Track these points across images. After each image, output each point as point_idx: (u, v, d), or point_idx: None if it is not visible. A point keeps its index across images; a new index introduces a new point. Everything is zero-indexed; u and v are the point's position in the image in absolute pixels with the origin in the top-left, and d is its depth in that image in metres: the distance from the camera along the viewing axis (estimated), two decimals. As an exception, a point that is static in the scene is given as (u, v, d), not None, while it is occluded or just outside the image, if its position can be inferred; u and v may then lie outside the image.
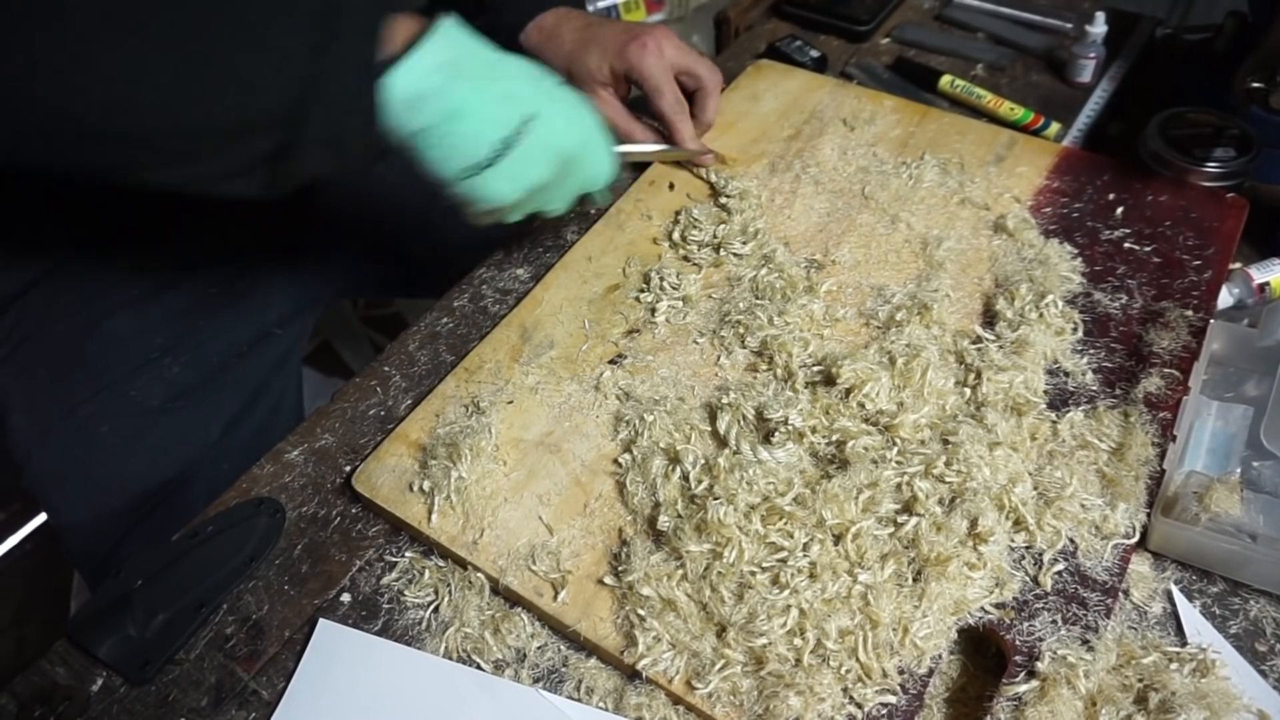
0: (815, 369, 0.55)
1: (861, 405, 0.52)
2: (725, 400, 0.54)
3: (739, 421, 0.53)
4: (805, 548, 0.46)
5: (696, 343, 0.60)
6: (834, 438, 0.51)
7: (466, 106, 0.48)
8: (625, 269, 0.66)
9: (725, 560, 0.46)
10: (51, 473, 0.67)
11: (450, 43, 0.48)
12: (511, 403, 0.58)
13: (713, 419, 0.54)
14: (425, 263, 0.90)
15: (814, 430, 0.51)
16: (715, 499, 0.48)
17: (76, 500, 0.67)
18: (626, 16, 1.43)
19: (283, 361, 0.78)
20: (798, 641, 0.44)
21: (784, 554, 0.46)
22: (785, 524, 0.47)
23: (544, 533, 0.51)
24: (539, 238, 0.71)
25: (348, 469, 0.57)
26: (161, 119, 0.42)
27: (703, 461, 0.51)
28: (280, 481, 0.56)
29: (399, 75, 0.46)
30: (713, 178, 0.71)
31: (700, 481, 0.50)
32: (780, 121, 0.77)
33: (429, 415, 0.58)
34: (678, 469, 0.51)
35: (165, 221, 0.69)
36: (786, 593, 0.45)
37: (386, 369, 0.63)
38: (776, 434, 0.52)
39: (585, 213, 0.69)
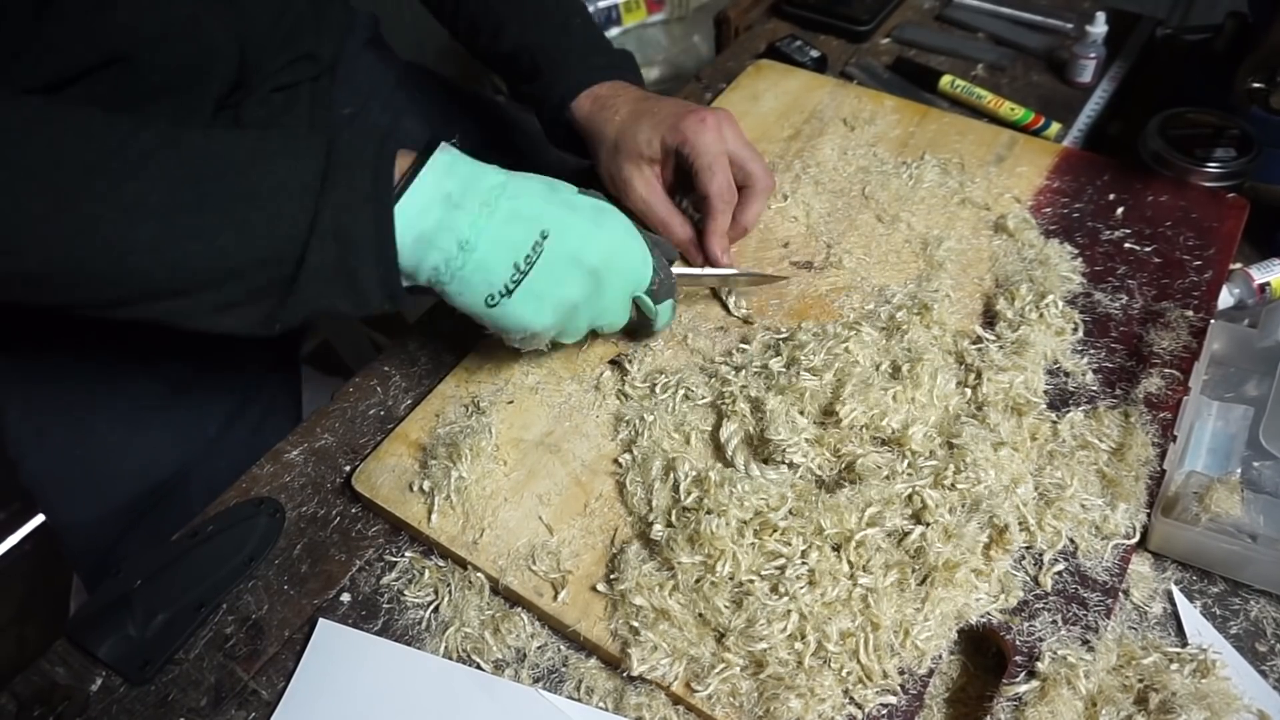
0: (825, 392, 0.53)
1: (871, 428, 0.51)
2: (732, 405, 0.53)
3: (743, 430, 0.53)
4: (804, 555, 0.46)
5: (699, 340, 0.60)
6: (841, 463, 0.51)
7: (474, 235, 0.46)
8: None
9: (718, 573, 0.46)
10: (48, 471, 0.67)
11: (444, 173, 0.46)
12: (511, 402, 0.58)
13: (717, 420, 0.54)
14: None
15: (817, 458, 0.51)
16: (707, 512, 0.47)
17: (73, 499, 0.67)
18: (627, 16, 1.43)
19: (279, 360, 0.78)
20: (798, 645, 0.44)
21: (782, 561, 0.46)
22: (782, 535, 0.47)
23: (544, 533, 0.51)
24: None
25: (347, 469, 0.57)
26: (155, 261, 0.43)
27: (693, 474, 0.50)
28: (280, 481, 0.56)
29: (397, 216, 0.45)
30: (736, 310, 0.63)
31: (690, 494, 0.49)
32: (780, 121, 0.77)
33: (429, 415, 0.58)
34: (671, 476, 0.51)
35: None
36: (786, 599, 0.44)
37: (386, 369, 0.63)
38: (774, 457, 0.51)
39: (650, 335, 0.60)
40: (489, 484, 0.53)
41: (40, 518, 1.37)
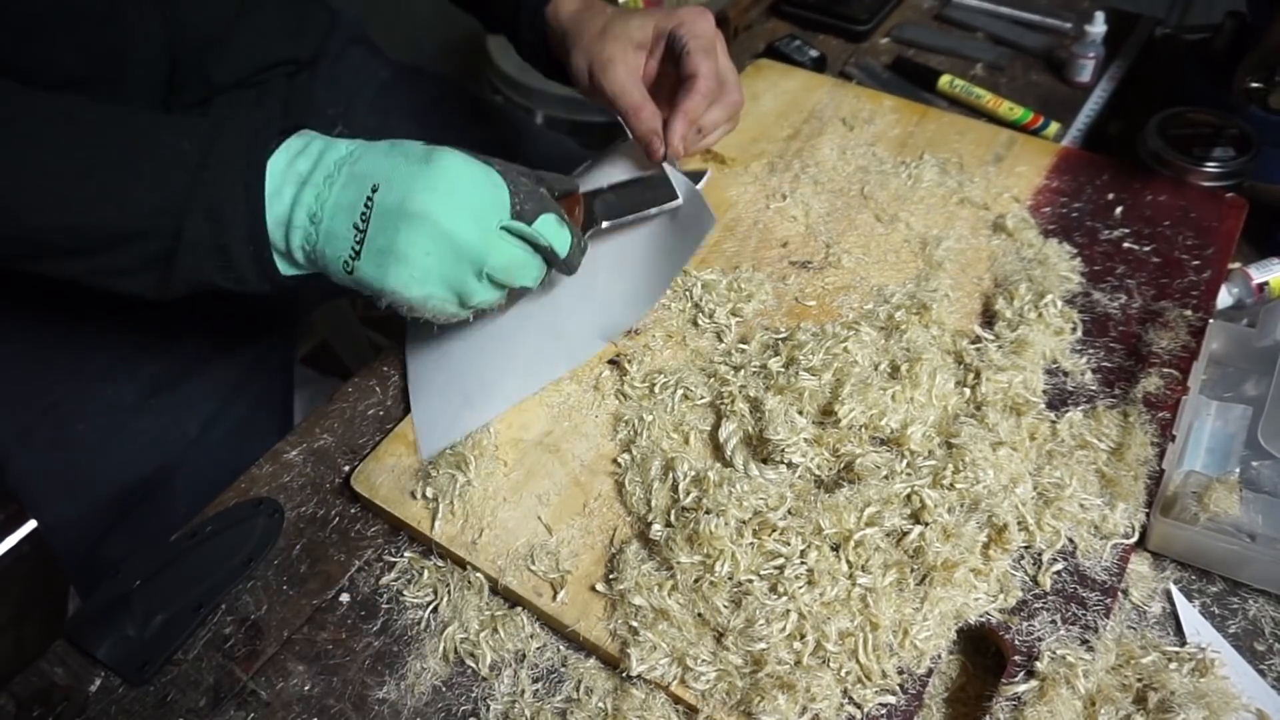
0: (824, 391, 0.53)
1: (870, 428, 0.51)
2: (731, 405, 0.53)
3: (742, 430, 0.53)
4: (803, 554, 0.46)
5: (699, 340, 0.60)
6: (840, 463, 0.50)
7: (320, 206, 0.46)
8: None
9: (717, 573, 0.46)
10: (31, 471, 0.67)
11: (296, 154, 0.47)
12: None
13: (716, 419, 0.54)
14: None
15: (816, 458, 0.51)
16: (706, 512, 0.47)
17: (56, 498, 0.67)
18: (625, 16, 1.42)
19: (263, 359, 0.77)
20: (797, 645, 0.43)
21: (781, 561, 0.46)
22: (781, 535, 0.46)
23: (543, 533, 0.51)
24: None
25: (346, 469, 0.57)
26: (48, 222, 0.46)
27: (692, 474, 0.50)
28: (279, 481, 0.56)
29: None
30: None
31: (689, 493, 0.49)
32: (779, 121, 0.77)
33: (428, 415, 0.58)
34: (670, 475, 0.51)
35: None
36: (785, 598, 0.44)
37: (385, 369, 0.63)
38: (773, 457, 0.51)
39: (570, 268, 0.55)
40: (489, 484, 0.53)
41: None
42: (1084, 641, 0.44)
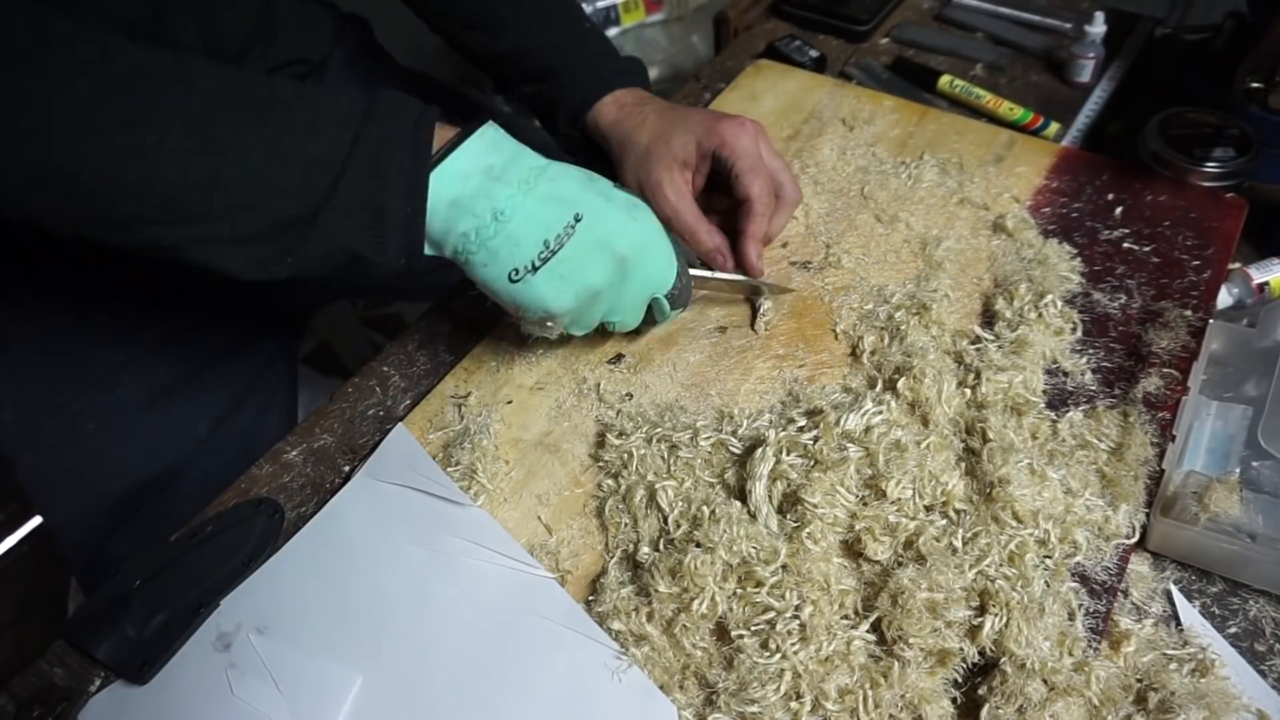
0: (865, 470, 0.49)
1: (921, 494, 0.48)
2: (763, 468, 0.49)
3: (771, 486, 0.49)
4: (796, 610, 0.44)
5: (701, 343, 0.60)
6: (901, 538, 0.47)
7: (510, 207, 0.46)
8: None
9: (694, 610, 0.44)
10: (41, 470, 0.67)
11: (487, 147, 0.47)
12: (511, 403, 0.58)
13: (740, 467, 0.51)
14: (425, 266, 0.90)
15: (857, 529, 0.47)
16: (696, 545, 0.46)
17: (65, 497, 0.68)
18: (625, 16, 1.43)
19: (273, 360, 0.77)
20: (794, 704, 0.42)
21: (771, 615, 0.44)
22: (772, 589, 0.45)
23: (543, 533, 0.51)
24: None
25: (346, 469, 0.57)
26: (177, 175, 0.42)
27: (680, 505, 0.49)
28: (279, 482, 0.56)
29: (436, 179, 0.45)
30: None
31: (679, 526, 0.48)
32: (779, 121, 0.77)
33: (427, 415, 0.58)
34: (655, 505, 0.50)
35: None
36: (778, 656, 0.43)
37: (386, 369, 0.63)
38: (804, 518, 0.47)
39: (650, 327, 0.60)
40: (490, 484, 0.53)
41: (39, 519, 1.37)
42: (1087, 643, 0.44)
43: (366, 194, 0.44)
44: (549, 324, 0.51)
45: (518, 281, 0.48)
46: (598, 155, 0.68)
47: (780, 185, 0.62)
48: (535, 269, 0.47)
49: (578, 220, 0.48)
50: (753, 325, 0.61)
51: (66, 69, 0.40)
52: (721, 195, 0.63)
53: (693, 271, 0.58)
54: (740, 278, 0.61)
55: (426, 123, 0.46)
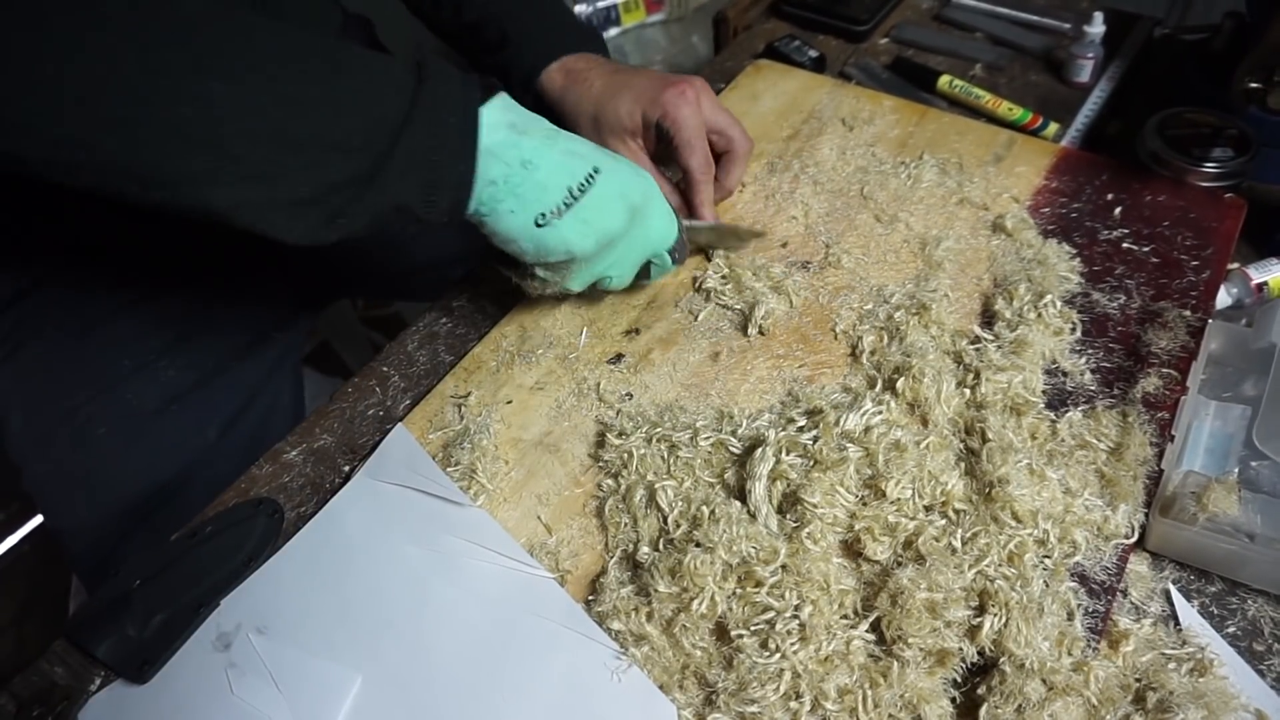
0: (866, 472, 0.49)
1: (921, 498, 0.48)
2: (763, 468, 0.49)
3: (771, 486, 0.49)
4: (796, 609, 0.44)
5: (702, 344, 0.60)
6: (900, 538, 0.47)
7: (536, 157, 0.49)
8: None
9: (694, 610, 0.44)
10: (49, 475, 0.67)
11: (507, 106, 0.50)
12: (510, 403, 0.58)
13: (739, 467, 0.50)
14: (424, 264, 0.90)
15: (857, 529, 0.47)
16: (696, 545, 0.46)
17: (74, 503, 0.67)
18: (625, 16, 1.42)
19: (279, 363, 0.78)
20: (793, 704, 0.42)
21: (771, 615, 0.44)
22: (771, 589, 0.45)
23: (543, 532, 0.51)
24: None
25: (346, 469, 0.57)
26: (241, 126, 0.41)
27: (680, 505, 0.49)
28: (279, 482, 0.56)
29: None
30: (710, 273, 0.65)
31: (679, 526, 0.48)
32: (779, 121, 0.77)
33: (427, 415, 0.58)
34: (655, 504, 0.50)
35: (163, 226, 0.69)
36: (777, 656, 0.43)
37: (385, 369, 0.63)
38: (803, 518, 0.47)
39: (643, 286, 0.64)
40: (491, 484, 0.53)
41: (39, 518, 1.37)
42: (1086, 643, 0.44)
43: (423, 152, 0.46)
44: (554, 278, 0.54)
45: (544, 226, 0.50)
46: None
47: (730, 140, 0.65)
48: (560, 214, 0.51)
49: (596, 172, 0.52)
50: (745, 331, 0.61)
51: (131, 16, 0.38)
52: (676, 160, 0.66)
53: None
54: (710, 224, 0.65)
55: (470, 85, 0.48)
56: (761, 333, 0.60)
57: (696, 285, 0.64)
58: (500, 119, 0.49)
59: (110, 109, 0.38)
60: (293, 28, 0.44)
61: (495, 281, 0.68)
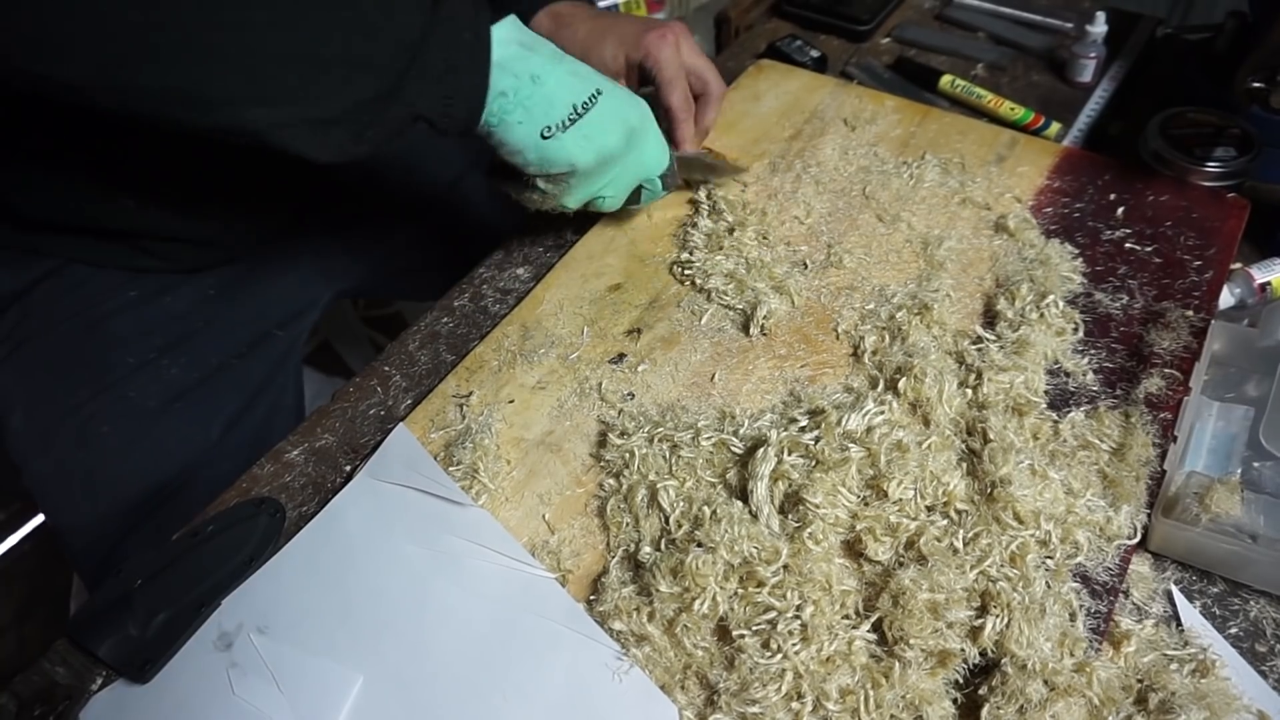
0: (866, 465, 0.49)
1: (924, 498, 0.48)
2: (765, 468, 0.48)
3: (773, 486, 0.49)
4: (798, 609, 0.44)
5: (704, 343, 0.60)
6: (902, 539, 0.47)
7: (544, 73, 0.53)
8: (626, 268, 0.66)
9: (695, 610, 0.44)
10: (51, 474, 0.67)
11: (518, 27, 0.54)
12: (512, 402, 0.58)
13: (741, 467, 0.50)
14: (425, 263, 0.90)
15: (858, 529, 0.47)
16: (697, 545, 0.46)
17: (76, 501, 0.67)
18: (627, 16, 1.43)
19: (282, 362, 0.78)
20: (795, 705, 0.42)
21: (773, 615, 0.44)
22: (773, 589, 0.44)
23: (544, 532, 0.51)
24: (539, 237, 0.71)
25: (348, 468, 0.57)
26: (278, 50, 0.44)
27: (682, 505, 0.49)
28: (280, 481, 0.56)
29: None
30: (700, 194, 0.70)
31: (680, 526, 0.48)
32: (781, 121, 0.77)
33: (429, 415, 0.58)
34: (657, 504, 0.50)
35: (166, 224, 0.69)
36: (779, 656, 0.43)
37: (387, 369, 0.63)
38: (805, 518, 0.47)
39: (638, 211, 0.69)
40: (493, 484, 0.53)
41: (40, 518, 1.37)
42: (1088, 643, 0.44)
43: (441, 66, 0.49)
44: (553, 190, 0.58)
45: (549, 138, 0.54)
46: None
47: (705, 82, 0.70)
48: (565, 128, 0.54)
49: (599, 93, 0.56)
50: (747, 331, 0.61)
51: None
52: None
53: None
54: (695, 153, 0.69)
55: (482, 5, 0.51)
56: (764, 333, 0.60)
57: (695, 283, 0.64)
58: (511, 35, 0.52)
59: (151, 33, 0.41)
60: None
61: (497, 281, 0.68)
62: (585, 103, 0.55)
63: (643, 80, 0.68)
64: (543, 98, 0.53)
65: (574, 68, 0.56)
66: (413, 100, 0.49)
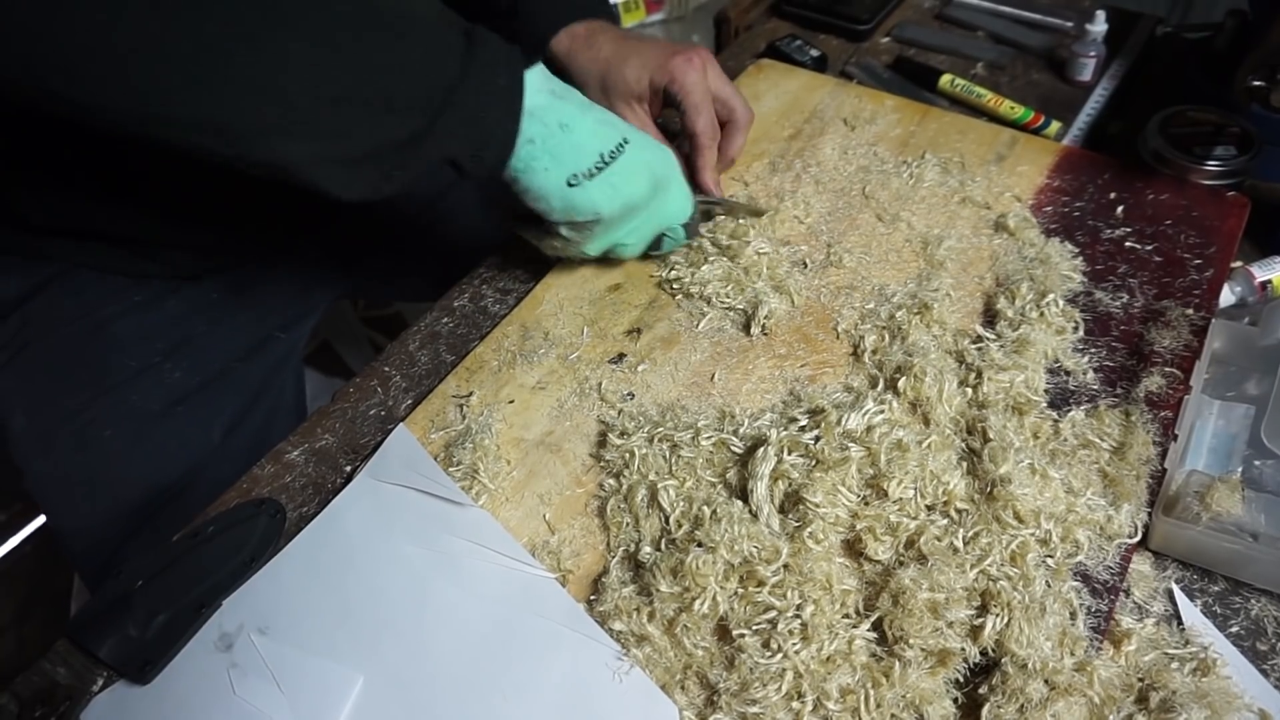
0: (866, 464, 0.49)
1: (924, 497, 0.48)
2: (765, 468, 0.48)
3: (773, 486, 0.49)
4: (798, 609, 0.44)
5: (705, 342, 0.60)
6: (902, 538, 0.47)
7: (573, 121, 0.53)
8: (626, 269, 0.66)
9: (695, 610, 0.44)
10: (53, 477, 0.67)
11: (547, 76, 0.53)
12: (512, 402, 0.58)
13: (741, 466, 0.50)
14: (425, 265, 0.90)
15: (858, 528, 0.47)
16: (698, 545, 0.46)
17: (78, 504, 0.67)
18: (626, 16, 1.42)
19: (283, 364, 0.78)
20: (795, 704, 0.42)
21: (773, 615, 0.44)
22: (774, 589, 0.44)
23: (545, 532, 0.51)
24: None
25: (348, 469, 0.57)
26: (312, 85, 0.43)
27: (682, 505, 0.49)
28: (281, 482, 0.56)
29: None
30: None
31: (680, 526, 0.48)
32: (781, 121, 0.77)
33: (429, 415, 0.58)
34: (658, 504, 0.50)
35: (169, 231, 0.69)
36: (779, 656, 0.43)
37: (387, 369, 0.63)
38: (805, 518, 0.47)
39: (659, 257, 0.65)
40: (493, 484, 0.53)
41: (41, 519, 1.38)
42: (1089, 642, 0.44)
43: (474, 111, 0.49)
44: (576, 238, 0.58)
45: (575, 186, 0.54)
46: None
47: (731, 110, 0.68)
48: (591, 176, 0.54)
49: (626, 142, 0.55)
50: (747, 330, 0.61)
51: None
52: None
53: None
54: (714, 198, 0.67)
55: (515, 51, 0.50)
56: (764, 332, 0.60)
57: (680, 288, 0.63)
58: (542, 84, 0.52)
59: (192, 65, 0.40)
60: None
61: (497, 281, 0.68)
62: (613, 151, 0.54)
63: (666, 105, 0.66)
64: (571, 145, 0.53)
65: (601, 115, 0.55)
66: (444, 143, 0.48)
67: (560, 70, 0.68)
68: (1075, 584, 0.46)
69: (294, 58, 0.42)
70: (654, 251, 0.64)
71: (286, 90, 0.42)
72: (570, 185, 0.53)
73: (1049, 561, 0.46)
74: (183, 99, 0.41)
